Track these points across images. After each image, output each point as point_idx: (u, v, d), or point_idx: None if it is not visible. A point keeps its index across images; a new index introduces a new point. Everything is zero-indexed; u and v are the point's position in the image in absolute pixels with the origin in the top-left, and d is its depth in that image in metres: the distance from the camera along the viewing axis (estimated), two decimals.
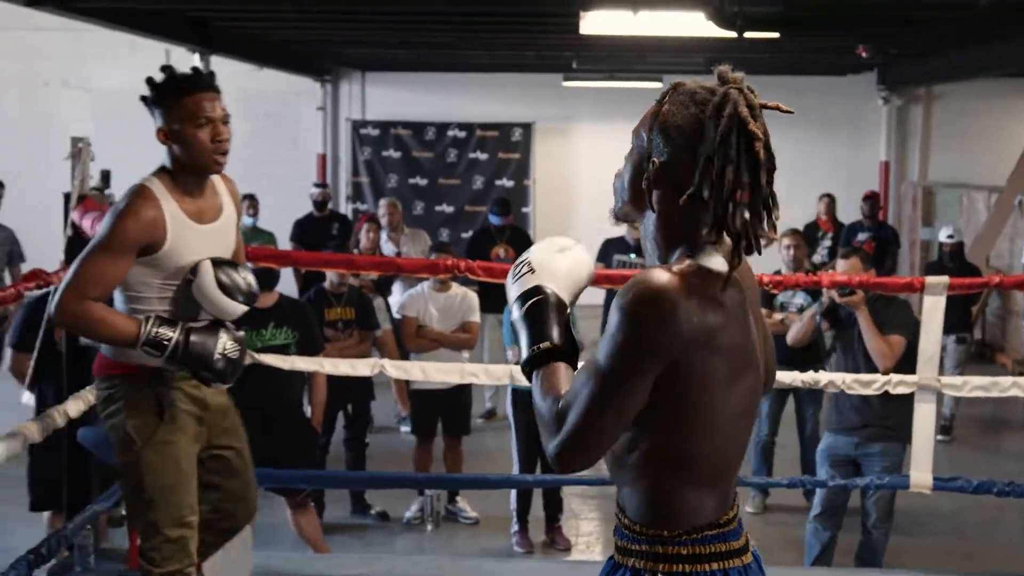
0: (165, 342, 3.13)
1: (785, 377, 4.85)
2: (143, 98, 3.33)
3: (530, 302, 2.14)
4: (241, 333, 3.35)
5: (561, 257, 2.20)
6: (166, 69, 3.29)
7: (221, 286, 3.23)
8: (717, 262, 2.06)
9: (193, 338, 3.19)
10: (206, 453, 3.43)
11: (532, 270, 2.18)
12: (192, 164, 3.24)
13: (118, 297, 3.29)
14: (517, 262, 2.22)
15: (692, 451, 2.05)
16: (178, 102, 3.23)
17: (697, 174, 2.02)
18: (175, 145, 3.25)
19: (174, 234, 3.22)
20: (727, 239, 2.05)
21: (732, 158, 2.02)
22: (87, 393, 3.96)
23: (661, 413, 2.02)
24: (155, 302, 3.24)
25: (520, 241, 9.15)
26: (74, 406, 3.82)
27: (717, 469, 2.09)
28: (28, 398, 5.30)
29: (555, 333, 2.11)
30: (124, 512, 4.39)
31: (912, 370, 4.83)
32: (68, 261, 4.33)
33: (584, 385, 2.00)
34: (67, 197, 4.51)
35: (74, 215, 4.45)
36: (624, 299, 1.96)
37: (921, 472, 4.75)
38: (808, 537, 5.71)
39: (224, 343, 3.22)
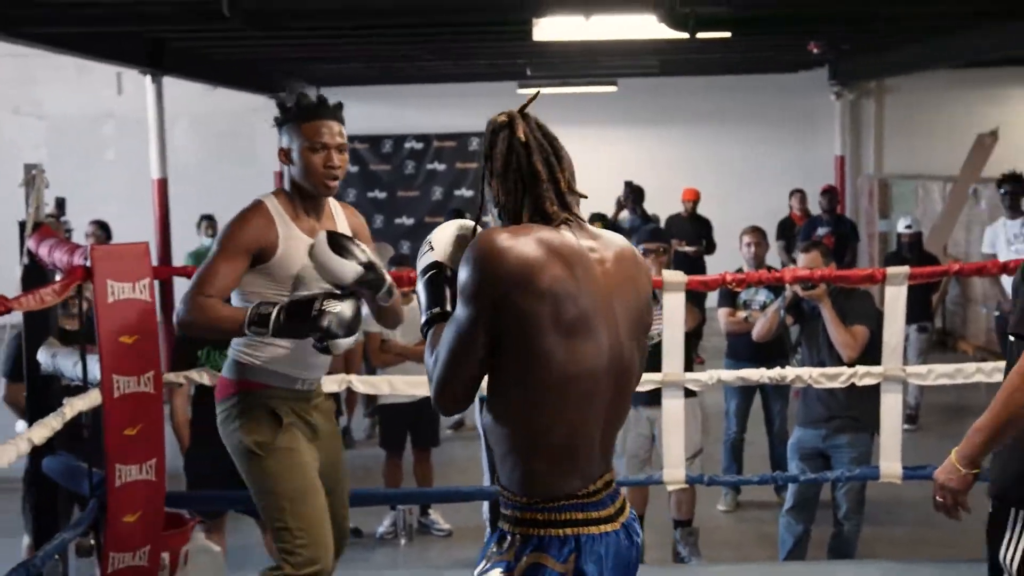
0: (267, 315, 3.26)
1: (752, 374, 4.88)
2: (276, 119, 3.50)
3: (427, 275, 2.47)
4: (352, 298, 3.36)
5: (459, 236, 2.50)
6: (301, 96, 3.46)
7: (333, 246, 3.29)
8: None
9: (291, 306, 3.29)
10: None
11: (431, 248, 2.50)
12: (304, 185, 3.43)
13: (236, 303, 3.43)
14: (424, 242, 2.54)
15: (543, 428, 2.26)
16: (299, 127, 3.41)
17: (498, 173, 2.40)
18: (291, 166, 3.45)
19: (285, 244, 3.39)
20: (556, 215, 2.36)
21: (512, 161, 2.40)
22: (52, 419, 3.92)
23: (513, 388, 2.26)
24: None
25: None
26: (39, 432, 3.78)
27: (570, 446, 2.28)
28: (22, 427, 5.28)
29: (447, 301, 2.41)
30: (92, 542, 4.36)
31: (876, 361, 4.87)
32: (25, 288, 4.29)
33: (444, 336, 2.30)
34: (22, 225, 4.45)
35: (30, 243, 4.40)
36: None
37: (891, 462, 4.78)
38: (781, 532, 5.74)
39: (324, 302, 3.26)
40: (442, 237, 2.51)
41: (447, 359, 2.27)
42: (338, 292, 3.34)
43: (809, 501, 5.66)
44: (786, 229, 11.92)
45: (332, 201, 3.60)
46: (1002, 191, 8.68)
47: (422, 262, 2.49)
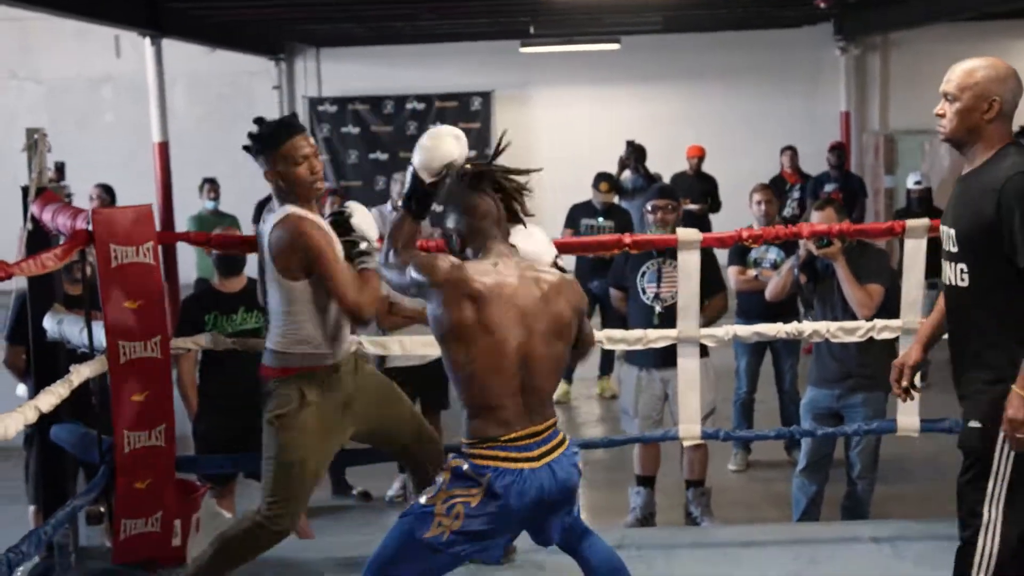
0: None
1: (768, 329, 4.81)
2: (245, 147, 3.84)
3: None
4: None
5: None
6: (258, 121, 3.84)
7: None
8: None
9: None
10: (367, 429, 4.04)
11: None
12: (299, 194, 3.82)
13: (287, 309, 3.79)
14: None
15: (465, 382, 3.21)
16: (277, 149, 3.79)
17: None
18: (282, 182, 3.81)
19: (330, 238, 3.85)
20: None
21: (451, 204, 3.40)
22: (58, 387, 3.86)
23: (453, 358, 3.22)
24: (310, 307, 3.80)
25: None
26: (46, 400, 3.72)
27: (492, 400, 3.18)
28: (23, 390, 5.28)
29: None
30: (102, 509, 4.32)
31: (890, 317, 4.80)
32: (30, 254, 4.22)
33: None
34: (25, 190, 4.38)
35: (33, 208, 4.32)
36: None
37: (908, 416, 4.72)
38: (794, 492, 5.70)
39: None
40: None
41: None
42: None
43: (822, 461, 5.61)
44: (777, 187, 11.80)
45: None
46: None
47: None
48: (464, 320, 3.16)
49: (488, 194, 3.34)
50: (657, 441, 5.55)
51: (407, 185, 3.45)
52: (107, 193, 9.58)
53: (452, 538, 3.17)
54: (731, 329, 4.90)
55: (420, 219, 3.47)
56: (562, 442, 3.30)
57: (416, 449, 4.13)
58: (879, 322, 4.73)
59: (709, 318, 5.74)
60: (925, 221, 4.61)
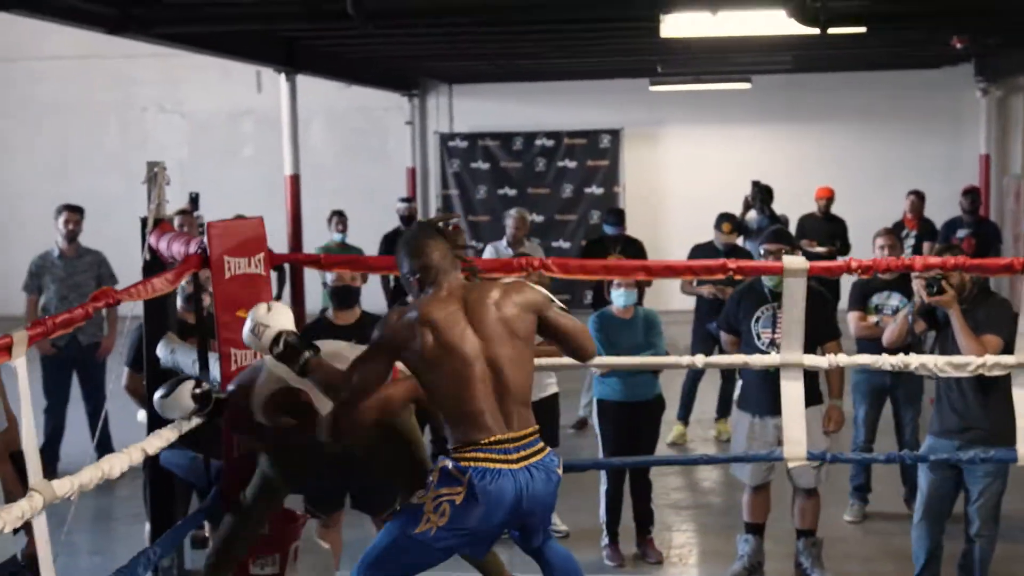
0: None
1: (874, 361, 4.71)
2: None
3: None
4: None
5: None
6: None
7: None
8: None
9: None
10: None
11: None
12: None
13: None
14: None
15: (443, 401, 3.61)
16: None
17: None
18: None
19: None
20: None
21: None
22: (168, 431, 3.95)
23: (423, 380, 3.66)
24: None
25: (633, 251, 8.99)
26: (154, 443, 3.80)
27: (463, 410, 3.55)
28: (143, 416, 5.38)
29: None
30: (207, 534, 4.42)
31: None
32: None
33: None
34: (144, 221, 4.54)
35: (150, 239, 4.48)
36: None
37: None
38: (914, 545, 5.50)
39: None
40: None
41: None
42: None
43: (941, 513, 5.41)
44: (898, 232, 11.47)
45: None
46: None
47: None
48: (424, 348, 3.54)
49: (432, 238, 3.70)
50: (761, 460, 5.41)
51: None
52: None
53: (439, 534, 3.51)
54: (834, 359, 4.79)
55: (303, 373, 3.68)
56: (542, 450, 3.63)
57: None
58: (991, 358, 4.57)
59: (835, 372, 5.63)
60: None
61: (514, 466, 3.52)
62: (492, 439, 3.52)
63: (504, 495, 3.50)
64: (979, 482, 5.25)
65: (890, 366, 4.65)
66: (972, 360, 4.60)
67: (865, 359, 4.87)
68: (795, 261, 4.60)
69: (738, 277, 4.94)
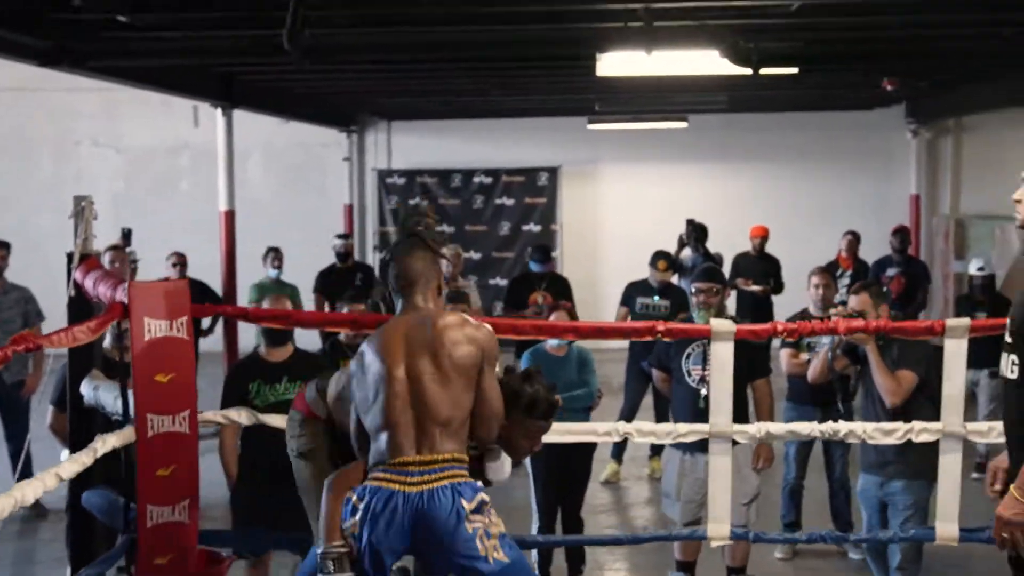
0: None
1: (803, 428, 4.74)
2: None
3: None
4: None
5: None
6: None
7: None
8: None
9: None
10: None
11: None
12: None
13: None
14: None
15: (370, 417, 3.66)
16: None
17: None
18: None
19: None
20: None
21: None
22: (83, 455, 3.89)
23: (358, 400, 3.73)
24: None
25: (558, 287, 9.03)
26: (69, 468, 3.76)
27: (384, 423, 3.61)
28: (66, 455, 5.27)
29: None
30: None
31: (934, 406, 4.69)
32: (71, 320, 4.30)
33: None
34: (70, 257, 4.47)
35: (76, 274, 4.41)
36: None
37: (947, 524, 4.58)
38: None
39: None
40: None
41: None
42: None
43: (880, 550, 5.50)
44: (830, 271, 11.58)
45: None
46: None
47: None
48: (356, 371, 3.71)
49: (411, 261, 3.77)
50: (685, 540, 5.44)
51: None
52: (181, 260, 9.76)
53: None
54: (763, 426, 4.84)
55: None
56: (452, 477, 3.57)
57: None
58: (918, 424, 4.63)
59: (764, 407, 5.67)
60: (965, 321, 4.50)
61: (410, 488, 3.53)
62: (399, 460, 3.56)
63: (396, 515, 3.52)
64: (899, 515, 5.33)
65: (820, 433, 4.70)
66: (899, 427, 4.67)
67: (795, 427, 4.96)
68: (722, 324, 4.62)
69: (666, 339, 4.97)
